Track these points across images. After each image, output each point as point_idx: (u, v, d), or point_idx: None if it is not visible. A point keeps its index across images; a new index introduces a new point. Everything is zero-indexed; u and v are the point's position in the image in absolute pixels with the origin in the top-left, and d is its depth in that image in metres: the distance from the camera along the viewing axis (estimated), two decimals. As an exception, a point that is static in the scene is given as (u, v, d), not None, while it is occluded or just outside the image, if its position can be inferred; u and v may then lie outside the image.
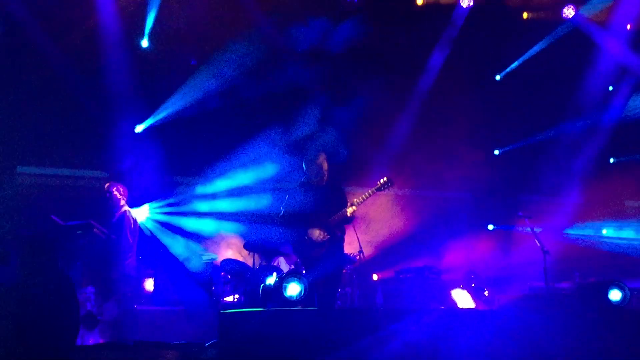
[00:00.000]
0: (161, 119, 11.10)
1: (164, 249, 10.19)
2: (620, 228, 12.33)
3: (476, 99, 12.40)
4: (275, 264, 10.35)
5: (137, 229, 8.95)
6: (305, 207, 7.90)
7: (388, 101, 11.91)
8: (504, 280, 10.85)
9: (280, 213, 8.13)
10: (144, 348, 7.11)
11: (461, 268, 11.01)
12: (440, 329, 6.87)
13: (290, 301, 7.67)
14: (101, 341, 7.49)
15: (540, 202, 11.81)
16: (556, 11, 11.89)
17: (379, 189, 7.88)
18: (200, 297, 9.47)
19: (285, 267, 10.28)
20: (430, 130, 12.24)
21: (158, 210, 10.61)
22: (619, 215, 12.44)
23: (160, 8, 10.79)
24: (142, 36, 11.02)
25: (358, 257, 9.83)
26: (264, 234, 10.72)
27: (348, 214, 7.75)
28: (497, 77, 12.90)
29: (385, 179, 7.89)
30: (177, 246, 10.37)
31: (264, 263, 10.20)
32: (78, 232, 8.29)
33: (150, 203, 10.52)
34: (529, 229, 9.04)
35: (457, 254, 11.40)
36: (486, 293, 10.53)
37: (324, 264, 7.80)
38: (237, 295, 9.99)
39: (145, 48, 11.08)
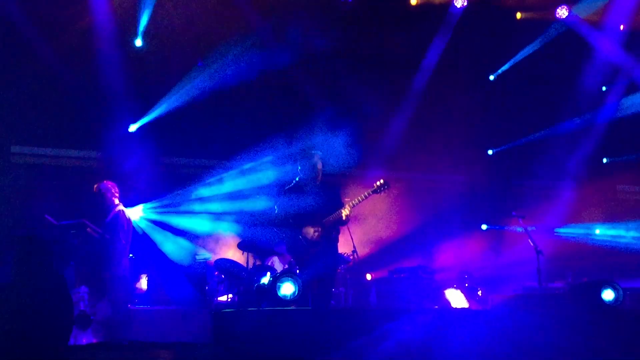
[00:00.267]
0: (155, 119, 11.09)
1: (157, 248, 10.18)
2: (613, 227, 12.37)
3: (470, 99, 12.43)
4: (269, 264, 10.34)
5: (131, 228, 8.92)
6: (299, 208, 7.90)
7: (382, 101, 11.94)
8: (498, 280, 10.88)
9: (274, 213, 8.13)
10: (138, 348, 7.09)
11: (455, 268, 11.03)
12: (434, 328, 6.88)
13: (284, 301, 7.67)
14: (94, 341, 7.47)
15: (533, 201, 11.82)
16: (550, 11, 11.91)
17: (374, 192, 7.88)
18: (194, 297, 9.45)
19: (279, 266, 10.27)
20: (424, 130, 12.25)
21: (152, 210, 10.60)
22: (611, 215, 12.47)
23: (154, 7, 10.76)
24: (135, 35, 10.97)
25: (352, 257, 9.84)
26: (258, 233, 10.72)
27: (343, 216, 7.75)
28: (491, 77, 12.91)
29: (381, 181, 7.89)
30: (171, 245, 10.37)
31: (258, 263, 10.19)
32: (71, 231, 8.26)
33: (144, 203, 10.51)
34: (522, 229, 9.07)
35: (450, 254, 11.42)
36: (480, 293, 10.55)
37: (318, 264, 7.80)
38: (231, 295, 9.99)
39: (139, 47, 11.04)
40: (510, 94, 12.69)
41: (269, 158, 10.99)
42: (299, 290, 7.69)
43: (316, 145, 8.65)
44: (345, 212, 7.73)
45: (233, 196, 11.13)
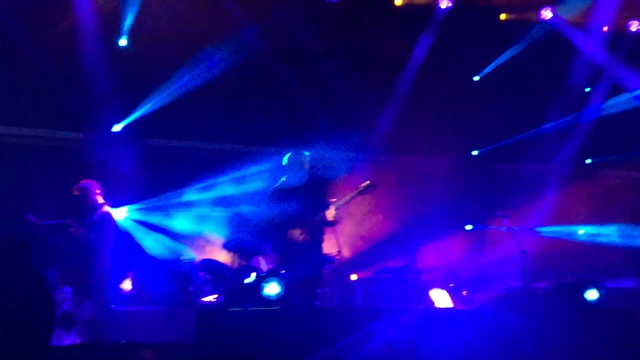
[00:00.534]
0: (139, 119, 11.04)
1: (142, 248, 10.13)
2: (597, 226, 12.46)
3: (455, 100, 12.47)
4: (255, 264, 10.33)
5: (116, 228, 8.87)
6: (285, 208, 7.88)
7: (367, 101, 11.96)
8: (482, 279, 10.92)
9: (260, 212, 8.11)
10: (122, 348, 7.07)
11: (440, 268, 11.06)
12: (419, 328, 6.89)
13: (269, 301, 7.67)
14: (78, 342, 7.43)
15: (518, 201, 11.87)
16: (534, 13, 11.97)
17: (360, 193, 7.87)
18: (179, 297, 9.41)
19: (265, 267, 10.26)
20: (409, 131, 12.28)
21: (138, 210, 10.55)
22: (596, 211, 12.55)
23: (140, 7, 10.72)
24: (120, 35, 10.93)
25: (337, 257, 9.82)
26: (244, 234, 10.70)
27: (329, 217, 7.75)
28: (476, 78, 12.95)
29: (367, 182, 7.89)
30: (156, 245, 10.34)
31: (243, 263, 10.17)
32: (55, 232, 8.20)
33: (130, 203, 10.47)
34: (506, 229, 9.11)
35: (435, 254, 11.45)
36: (464, 293, 10.58)
37: (303, 264, 7.79)
38: (216, 295, 9.96)
39: (123, 47, 10.99)
40: (494, 94, 12.73)
41: (261, 167, 10.98)
42: (283, 290, 7.68)
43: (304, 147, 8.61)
44: (331, 213, 7.73)
45: (221, 200, 11.12)
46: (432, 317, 7.32)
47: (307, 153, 8.08)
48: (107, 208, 8.61)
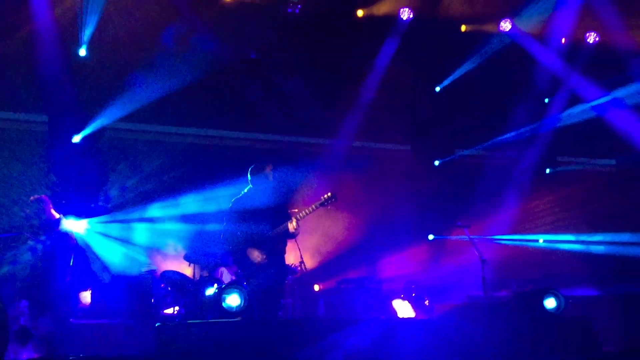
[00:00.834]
0: (99, 129, 10.93)
1: (101, 261, 10.01)
2: (555, 235, 12.62)
3: (416, 110, 12.55)
4: (218, 276, 10.27)
5: (74, 241, 8.75)
6: (247, 218, 7.86)
7: (329, 112, 11.98)
8: (444, 289, 10.98)
9: (222, 223, 8.09)
10: (80, 362, 6.97)
11: (402, 278, 11.09)
12: (381, 338, 6.90)
13: (230, 312, 7.62)
14: (35, 356, 7.29)
15: (479, 211, 11.97)
16: (494, 24, 12.11)
17: (322, 204, 7.88)
18: (140, 310, 9.30)
19: (227, 277, 10.20)
20: (371, 141, 12.34)
21: (97, 222, 10.43)
22: (555, 224, 12.71)
23: (99, 17, 10.63)
24: (79, 45, 10.82)
25: (300, 268, 9.81)
26: (205, 245, 10.64)
27: (290, 229, 7.75)
28: (437, 89, 13.05)
29: (329, 194, 7.91)
30: (116, 257, 10.22)
31: (205, 274, 10.10)
32: (12, 244, 8.07)
33: (89, 215, 10.34)
34: (467, 238, 9.18)
35: (397, 264, 11.48)
36: (427, 302, 10.63)
37: (265, 275, 7.77)
38: (177, 307, 9.87)
39: (83, 57, 10.88)
40: (455, 105, 12.84)
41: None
42: (245, 302, 7.64)
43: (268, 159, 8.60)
44: (292, 225, 7.73)
45: (181, 206, 11.05)
46: (394, 327, 7.34)
47: (271, 165, 8.08)
48: (62, 221, 8.51)
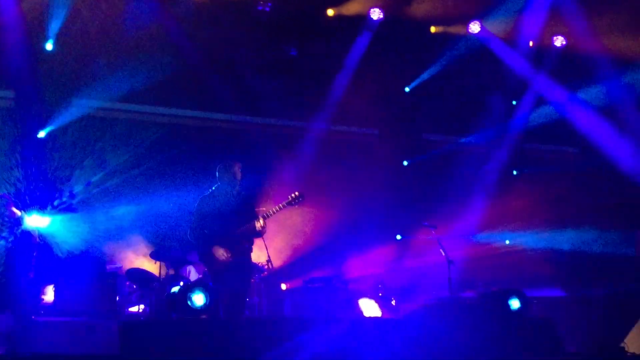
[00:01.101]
0: (62, 124, 10.77)
1: (65, 257, 9.87)
2: (521, 236, 12.74)
3: (386, 110, 12.58)
4: (184, 274, 10.20)
5: (37, 238, 8.63)
6: (214, 216, 7.83)
7: (298, 111, 11.97)
8: (410, 289, 11.01)
9: (190, 220, 8.05)
10: (41, 360, 6.87)
11: (369, 277, 11.11)
12: (348, 338, 6.91)
13: (195, 311, 7.56)
14: (-5, 354, 7.16)
15: (446, 211, 12.03)
16: (463, 26, 12.18)
17: (289, 203, 7.92)
18: (104, 308, 9.19)
19: (195, 276, 10.14)
20: (339, 142, 12.34)
21: (64, 217, 10.31)
22: (521, 225, 12.81)
23: (68, 11, 10.48)
24: (46, 39, 10.65)
25: (266, 267, 9.78)
26: (171, 242, 10.56)
27: (257, 228, 7.75)
28: (407, 89, 13.09)
29: (296, 193, 7.94)
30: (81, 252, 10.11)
31: (171, 272, 10.03)
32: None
33: (53, 211, 10.20)
34: (434, 238, 9.25)
35: (364, 263, 11.49)
36: (393, 302, 10.66)
37: (231, 274, 7.74)
38: (142, 306, 9.78)
39: (49, 51, 10.72)
40: (425, 105, 12.91)
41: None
42: (210, 300, 7.60)
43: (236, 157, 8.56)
44: (259, 224, 7.73)
45: (147, 201, 10.94)
46: (361, 327, 7.36)
47: (239, 163, 8.07)
48: (24, 218, 8.40)
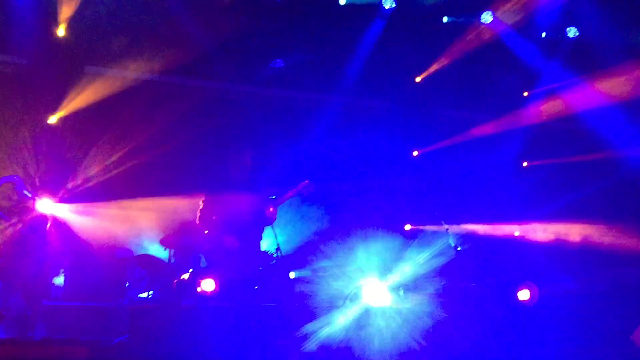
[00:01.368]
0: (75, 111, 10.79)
1: (77, 242, 9.93)
2: (531, 227, 12.71)
3: (397, 100, 12.54)
4: (194, 260, 10.23)
5: (49, 222, 8.68)
6: (224, 204, 7.86)
7: (309, 101, 11.96)
8: (418, 278, 11.00)
9: (199, 208, 8.09)
10: (52, 344, 6.92)
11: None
12: (356, 326, 6.94)
13: (204, 297, 7.61)
14: (6, 337, 7.23)
15: (456, 201, 12.01)
16: (475, 16, 12.12)
17: (299, 192, 7.98)
18: (114, 293, 9.26)
19: (204, 263, 10.18)
20: (351, 131, 12.32)
21: (74, 204, 10.35)
22: (531, 215, 12.78)
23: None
24: (58, 24, 10.66)
25: (275, 255, 9.80)
26: (182, 229, 10.58)
27: (267, 214, 7.79)
28: (418, 79, 13.05)
29: (306, 182, 8.00)
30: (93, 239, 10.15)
31: (181, 259, 10.06)
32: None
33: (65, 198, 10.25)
34: (444, 228, 9.25)
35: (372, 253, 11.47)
36: (401, 292, 10.64)
37: (240, 261, 7.78)
38: (152, 292, 9.83)
39: (61, 37, 10.73)
40: (436, 96, 12.86)
41: None
42: (219, 287, 7.64)
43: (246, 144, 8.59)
44: (269, 210, 7.78)
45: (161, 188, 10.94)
46: (369, 315, 7.38)
47: (249, 150, 8.10)
48: (36, 200, 8.43)
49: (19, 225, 8.20)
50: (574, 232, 12.58)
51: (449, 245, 9.03)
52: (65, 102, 10.63)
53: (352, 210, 11.69)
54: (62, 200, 10.19)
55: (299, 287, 10.54)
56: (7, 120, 10.34)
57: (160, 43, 10.84)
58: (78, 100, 10.67)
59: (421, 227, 12.10)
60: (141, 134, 10.94)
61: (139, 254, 10.14)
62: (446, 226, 9.44)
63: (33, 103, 10.47)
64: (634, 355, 8.01)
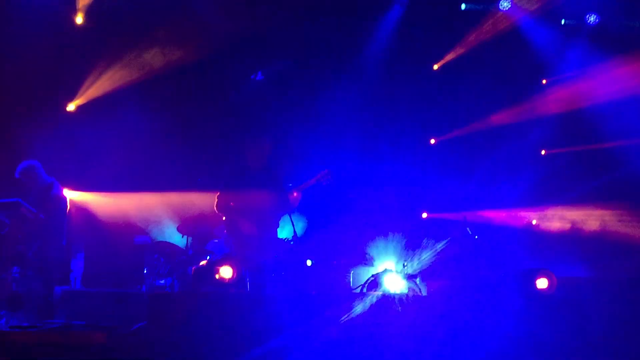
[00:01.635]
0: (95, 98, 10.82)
1: (96, 228, 10.01)
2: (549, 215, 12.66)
3: (414, 88, 12.50)
4: (210, 248, 10.27)
5: (67, 207, 8.71)
6: (242, 191, 7.87)
7: (330, 91, 11.93)
8: (435, 266, 10.98)
9: (217, 195, 8.10)
10: (72, 330, 6.98)
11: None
12: (375, 314, 6.94)
13: (222, 284, 7.63)
14: (26, 323, 7.29)
15: (473, 189, 11.97)
16: (493, 3, 12.04)
17: (318, 181, 8.01)
18: (132, 279, 9.31)
19: (220, 250, 10.21)
20: (368, 119, 12.29)
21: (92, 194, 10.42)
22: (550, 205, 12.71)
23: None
24: (76, 12, 10.68)
25: (292, 242, 9.82)
26: (199, 216, 10.62)
27: (284, 203, 7.81)
28: (435, 67, 12.98)
29: (326, 171, 8.03)
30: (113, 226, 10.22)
31: (198, 246, 10.11)
32: (4, 211, 8.03)
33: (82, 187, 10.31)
34: (462, 217, 9.23)
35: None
36: (418, 281, 10.63)
37: (257, 248, 7.79)
38: (170, 278, 9.88)
39: (79, 25, 10.76)
40: (453, 84, 12.79)
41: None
42: (237, 274, 7.65)
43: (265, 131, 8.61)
44: (291, 196, 7.82)
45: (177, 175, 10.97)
46: (387, 303, 7.36)
47: (268, 138, 8.11)
48: (56, 185, 8.46)
49: (39, 210, 8.22)
50: (591, 219, 12.52)
51: (467, 233, 8.98)
52: (83, 90, 10.68)
53: (370, 199, 11.68)
54: (82, 188, 10.27)
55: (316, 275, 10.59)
56: (28, 108, 10.40)
57: (179, 33, 10.84)
58: (96, 88, 10.71)
59: (438, 216, 12.11)
60: (160, 124, 10.97)
61: (157, 240, 10.18)
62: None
63: (52, 91, 10.51)
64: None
